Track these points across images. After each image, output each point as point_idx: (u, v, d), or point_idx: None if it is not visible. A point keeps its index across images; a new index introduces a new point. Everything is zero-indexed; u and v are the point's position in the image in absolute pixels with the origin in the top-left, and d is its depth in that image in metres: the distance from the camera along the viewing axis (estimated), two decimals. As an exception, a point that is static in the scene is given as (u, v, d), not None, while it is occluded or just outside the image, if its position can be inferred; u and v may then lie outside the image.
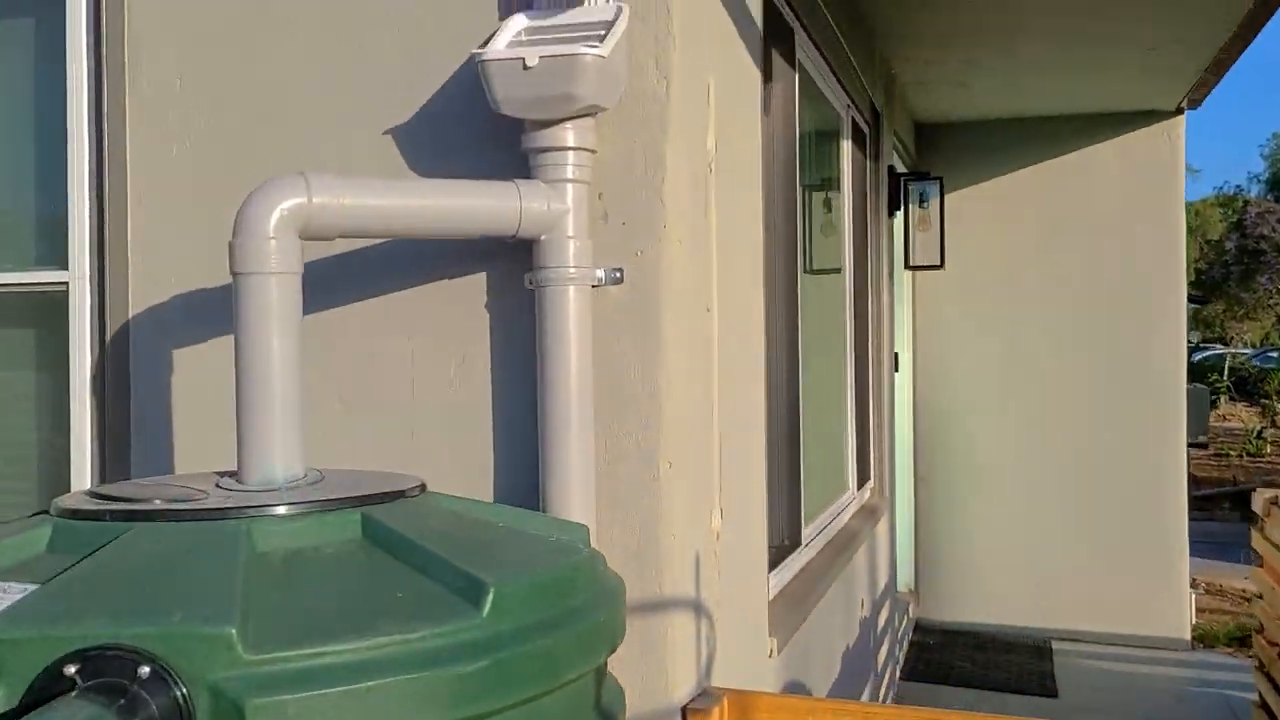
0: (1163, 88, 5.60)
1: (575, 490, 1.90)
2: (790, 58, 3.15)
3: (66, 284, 2.31)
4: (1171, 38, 4.65)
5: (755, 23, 2.51)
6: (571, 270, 1.89)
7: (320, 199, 1.65)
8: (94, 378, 2.29)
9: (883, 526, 4.86)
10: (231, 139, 2.17)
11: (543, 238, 1.89)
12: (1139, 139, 6.15)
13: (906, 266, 5.51)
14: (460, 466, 2.05)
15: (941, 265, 5.38)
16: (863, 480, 4.64)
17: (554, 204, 1.88)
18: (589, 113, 1.88)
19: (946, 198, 5.75)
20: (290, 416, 1.63)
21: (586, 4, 1.93)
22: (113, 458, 2.27)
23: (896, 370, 5.37)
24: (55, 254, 2.36)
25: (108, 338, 2.26)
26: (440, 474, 2.04)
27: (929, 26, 4.49)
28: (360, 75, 2.09)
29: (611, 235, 1.96)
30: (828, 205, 4.19)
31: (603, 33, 1.88)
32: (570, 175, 1.89)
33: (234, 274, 1.61)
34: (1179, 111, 6.15)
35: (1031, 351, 6.27)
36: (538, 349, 1.93)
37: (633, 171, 1.94)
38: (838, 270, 4.44)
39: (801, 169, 3.37)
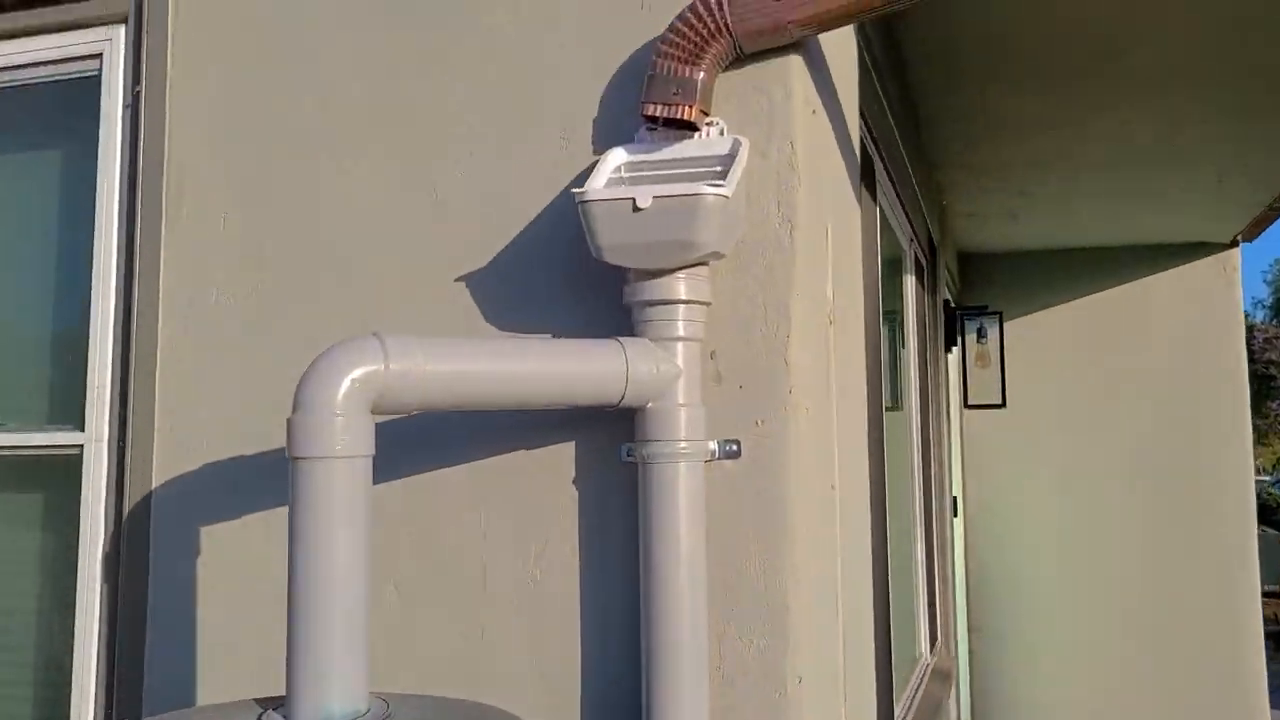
0: (1222, 220, 5.41)
1: (686, 714, 1.56)
2: (874, 191, 2.92)
3: (81, 447, 2.02)
4: (1240, 167, 4.47)
5: (856, 155, 2.28)
6: (682, 445, 1.59)
7: (399, 365, 1.37)
8: (107, 557, 1.97)
9: (953, 690, 4.45)
10: (281, 286, 1.90)
11: (649, 405, 1.60)
12: (1195, 271, 5.94)
13: (965, 405, 5.22)
14: (541, 672, 1.71)
15: (1003, 404, 5.09)
16: (934, 640, 4.25)
17: (663, 365, 1.59)
18: (705, 261, 1.61)
19: (990, 331, 5.51)
20: (354, 635, 1.31)
21: (698, 136, 1.68)
22: (125, 653, 1.94)
23: (955, 515, 5.03)
24: (69, 412, 2.07)
25: (125, 511, 1.95)
26: (517, 681, 1.71)
27: (992, 158, 4.30)
28: (429, 216, 1.84)
29: (726, 401, 1.67)
30: (898, 342, 3.92)
31: (720, 168, 1.62)
32: (681, 332, 1.61)
33: (292, 458, 1.31)
34: (1234, 244, 5.95)
35: (1090, 490, 5.92)
36: (641, 535, 1.62)
37: (752, 328, 1.67)
38: (899, 409, 4.15)
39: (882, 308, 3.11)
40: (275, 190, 1.93)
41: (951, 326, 4.92)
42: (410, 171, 1.85)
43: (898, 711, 3.04)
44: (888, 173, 3.27)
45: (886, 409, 3.87)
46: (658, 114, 1.65)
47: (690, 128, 1.67)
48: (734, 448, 1.65)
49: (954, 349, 5.03)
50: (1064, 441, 5.92)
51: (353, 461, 1.33)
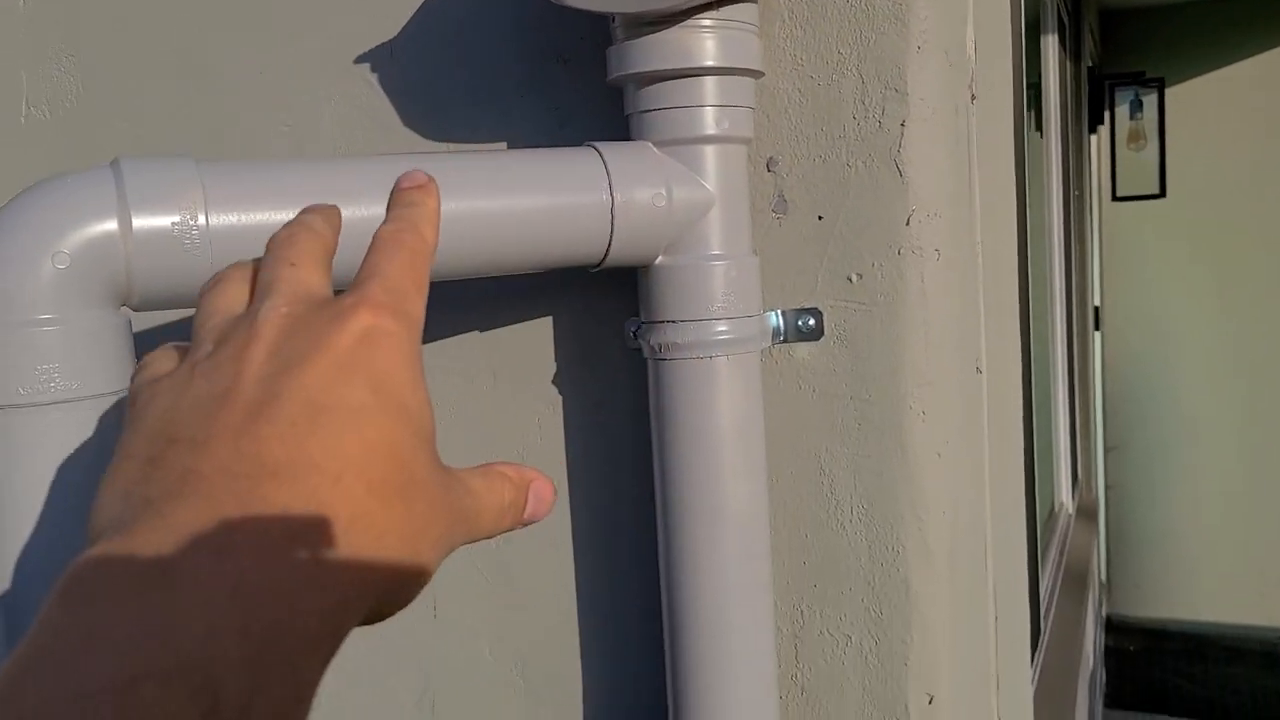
0: None
1: (744, 761, 0.96)
2: (1017, -92, 2.07)
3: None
4: None
5: None
6: (721, 327, 0.92)
7: (157, 219, 0.72)
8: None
9: (1098, 532, 3.83)
10: (96, 109, 1.25)
11: (659, 261, 0.92)
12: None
13: (1114, 197, 4.34)
14: (515, 664, 1.13)
15: (1162, 193, 4.19)
16: (1075, 482, 3.60)
17: (680, 189, 0.90)
18: (748, -6, 0.89)
19: (1147, 103, 4.52)
20: None
21: None
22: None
23: (1097, 329, 4.26)
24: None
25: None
26: (483, 683, 1.13)
27: None
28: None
29: (797, 243, 0.98)
30: (1038, 123, 3.10)
31: None
32: (710, 129, 0.91)
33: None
34: None
35: (1256, 293, 5.02)
36: (658, 475, 0.98)
37: (837, 113, 0.96)
38: (1036, 203, 3.35)
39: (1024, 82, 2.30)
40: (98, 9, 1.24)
41: (1098, 99, 3.99)
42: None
43: (1045, 579, 2.43)
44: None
45: (1033, 205, 3.09)
46: None
47: None
48: (812, 323, 0.98)
49: (1099, 128, 4.12)
50: (1225, 234, 4.97)
51: (76, 407, 0.71)
